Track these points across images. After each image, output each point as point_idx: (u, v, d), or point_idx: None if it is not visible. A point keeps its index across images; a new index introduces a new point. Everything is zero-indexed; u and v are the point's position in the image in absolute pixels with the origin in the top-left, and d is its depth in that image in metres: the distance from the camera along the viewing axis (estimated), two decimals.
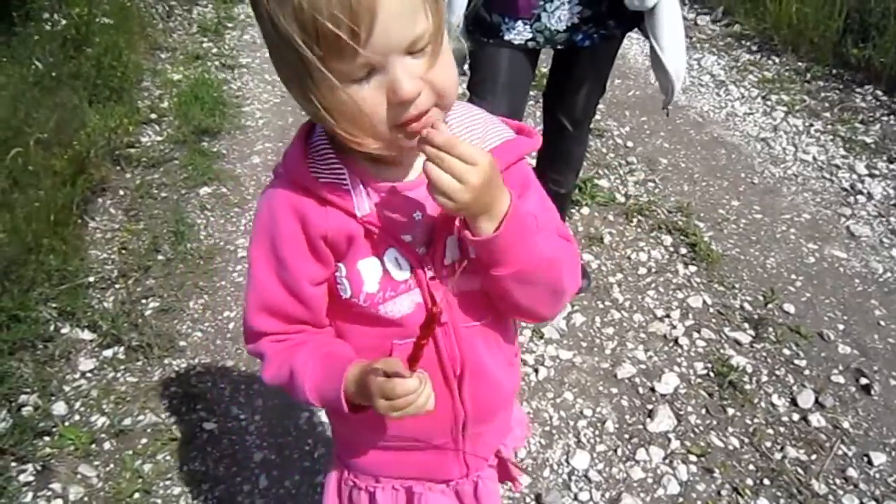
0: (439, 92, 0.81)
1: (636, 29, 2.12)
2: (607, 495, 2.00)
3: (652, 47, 2.06)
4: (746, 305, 2.64)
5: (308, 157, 0.90)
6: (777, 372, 2.36)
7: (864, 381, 2.32)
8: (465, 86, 2.25)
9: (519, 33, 2.03)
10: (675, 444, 2.13)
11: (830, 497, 1.98)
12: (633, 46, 4.87)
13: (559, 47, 2.09)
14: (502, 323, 1.04)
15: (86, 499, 1.99)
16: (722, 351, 2.44)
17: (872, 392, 2.29)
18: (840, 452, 2.10)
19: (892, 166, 3.49)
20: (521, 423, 1.31)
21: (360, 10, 0.71)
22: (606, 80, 2.31)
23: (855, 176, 3.43)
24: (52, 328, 2.48)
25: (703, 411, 2.24)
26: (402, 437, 1.04)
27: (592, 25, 2.03)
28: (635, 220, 3.13)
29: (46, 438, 2.14)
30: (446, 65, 0.82)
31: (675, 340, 2.49)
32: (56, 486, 2.01)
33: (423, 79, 0.78)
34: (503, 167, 0.89)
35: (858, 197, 3.28)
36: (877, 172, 3.45)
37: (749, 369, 2.37)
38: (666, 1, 1.97)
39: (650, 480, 2.04)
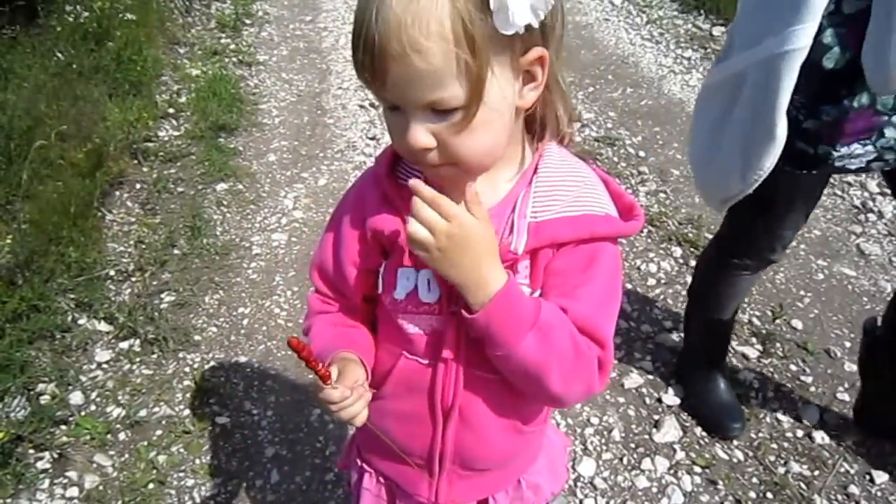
0: (451, 157, 0.82)
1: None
2: (612, 503, 2.03)
3: None
4: (755, 320, 2.67)
5: (403, 160, 0.94)
6: (783, 388, 2.39)
7: None
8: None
9: (857, 157, 1.67)
10: (680, 454, 2.16)
11: None
12: (646, 54, 4.87)
13: None
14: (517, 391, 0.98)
15: (101, 487, 2.03)
16: (729, 365, 2.46)
17: None
18: (843, 469, 2.13)
19: None
20: (539, 490, 1.20)
21: (376, 68, 0.77)
22: None
23: (866, 194, 3.44)
24: (69, 319, 2.52)
25: None
26: (384, 432, 1.05)
27: None
28: (646, 230, 3.15)
29: (63, 427, 2.18)
30: (474, 139, 0.81)
31: None
32: (72, 474, 2.06)
33: (438, 137, 0.80)
34: (570, 239, 0.89)
35: (869, 215, 3.30)
36: (888, 191, 3.45)
37: (756, 384, 2.39)
38: None
39: (655, 490, 2.07)
